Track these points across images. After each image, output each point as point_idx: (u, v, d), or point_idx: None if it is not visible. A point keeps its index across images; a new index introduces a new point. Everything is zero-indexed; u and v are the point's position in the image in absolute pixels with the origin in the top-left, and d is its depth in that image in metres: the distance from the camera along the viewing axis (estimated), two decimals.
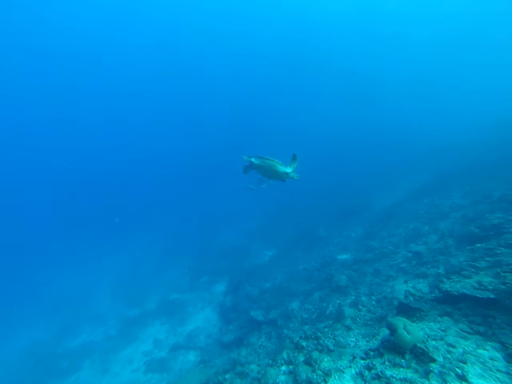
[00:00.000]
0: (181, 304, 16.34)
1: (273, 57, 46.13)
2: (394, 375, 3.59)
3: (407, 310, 4.80)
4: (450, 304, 4.50)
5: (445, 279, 5.10)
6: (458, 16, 36.37)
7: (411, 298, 5.05)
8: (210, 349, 11.45)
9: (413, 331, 3.69)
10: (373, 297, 7.41)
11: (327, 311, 7.40)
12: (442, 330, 4.08)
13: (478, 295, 4.10)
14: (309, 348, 5.27)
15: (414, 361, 3.66)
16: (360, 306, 6.69)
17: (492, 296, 4.04)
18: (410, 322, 3.84)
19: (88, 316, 18.35)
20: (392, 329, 3.85)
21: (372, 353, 4.22)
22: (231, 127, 62.57)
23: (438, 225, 9.67)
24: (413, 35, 42.80)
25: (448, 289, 4.54)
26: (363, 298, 7.66)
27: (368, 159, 29.08)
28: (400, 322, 3.79)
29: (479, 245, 6.36)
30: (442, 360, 3.63)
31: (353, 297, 8.20)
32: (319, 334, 5.43)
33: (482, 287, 4.29)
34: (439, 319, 4.34)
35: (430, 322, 4.33)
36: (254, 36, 39.17)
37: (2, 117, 44.63)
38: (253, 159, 4.88)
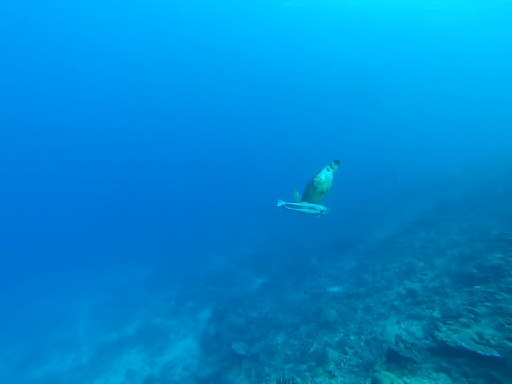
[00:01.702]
0: (162, 330, 15.33)
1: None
2: None
3: (398, 359, 4.23)
4: (447, 357, 3.93)
5: (440, 325, 4.57)
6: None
7: (402, 345, 4.48)
8: None
9: None
10: (362, 337, 6.81)
11: (311, 349, 6.75)
12: None
13: (479, 352, 3.54)
14: None
15: None
16: (347, 348, 6.07)
17: (497, 355, 3.48)
18: (399, 380, 3.29)
19: (60, 341, 16.74)
20: None
21: None
22: (223, 147, 62.46)
23: (434, 261, 9.19)
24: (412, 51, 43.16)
25: (444, 340, 3.99)
26: (351, 337, 7.05)
27: (364, 186, 28.76)
28: (387, 379, 3.24)
29: (478, 287, 5.85)
30: None
31: (341, 334, 7.59)
32: (298, 380, 4.80)
33: (484, 341, 3.74)
34: (434, 375, 3.76)
35: (423, 379, 3.75)
36: (253, 40, 39.59)
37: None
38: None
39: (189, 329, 14.79)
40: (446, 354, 3.98)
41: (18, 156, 51.76)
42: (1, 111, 41.11)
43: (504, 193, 13.20)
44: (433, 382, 3.66)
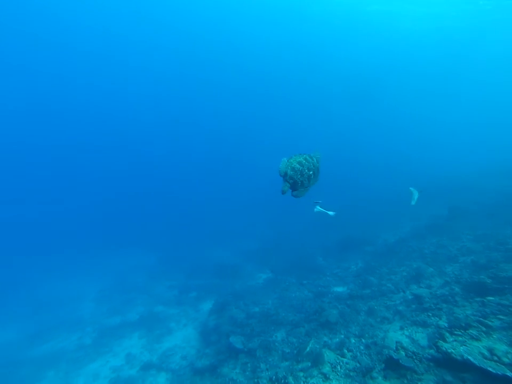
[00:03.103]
0: (164, 318, 15.45)
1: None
2: None
3: (397, 368, 3.97)
4: (452, 370, 3.62)
5: (447, 334, 4.25)
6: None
7: (402, 353, 4.20)
8: (182, 374, 10.50)
9: None
10: (363, 341, 6.55)
11: (307, 348, 6.53)
12: None
13: (489, 369, 3.18)
14: None
15: None
16: (346, 351, 5.83)
17: (510, 374, 3.10)
18: None
19: (67, 319, 17.28)
20: None
21: None
22: (231, 136, 62.21)
23: (445, 268, 8.78)
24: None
25: (449, 351, 3.68)
26: (352, 340, 6.80)
27: (375, 188, 28.10)
28: None
29: (491, 298, 5.45)
30: None
31: (342, 336, 7.35)
32: (290, 380, 4.62)
33: (496, 358, 3.38)
34: None
35: None
36: (254, 37, 39.22)
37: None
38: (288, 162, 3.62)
39: (190, 319, 14.82)
40: (450, 367, 3.66)
41: (34, 140, 52.90)
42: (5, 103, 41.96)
43: None
44: None
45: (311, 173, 3.63)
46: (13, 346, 15.44)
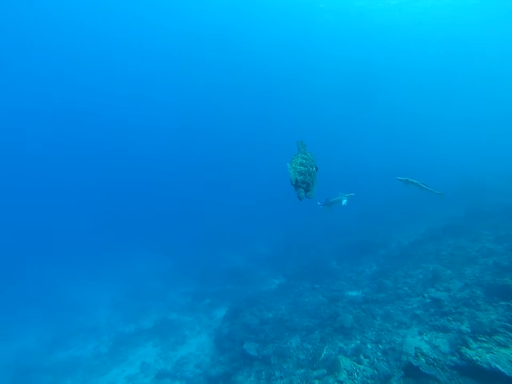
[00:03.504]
0: (178, 325, 15.44)
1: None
2: None
3: (417, 375, 3.78)
4: (478, 380, 3.39)
5: (470, 340, 4.03)
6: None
7: (423, 360, 4.00)
8: (197, 382, 10.45)
9: None
10: (380, 346, 6.33)
11: (322, 355, 6.36)
12: None
13: None
14: None
15: None
16: (362, 357, 5.63)
17: None
18: None
19: (83, 327, 17.50)
20: None
21: None
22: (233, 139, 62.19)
23: (464, 270, 8.43)
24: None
25: (475, 359, 3.45)
26: (368, 345, 6.59)
27: (384, 189, 27.59)
28: None
29: None
30: None
31: (358, 341, 7.15)
32: None
33: None
34: None
35: None
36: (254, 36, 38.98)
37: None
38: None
39: (204, 327, 14.78)
40: (476, 376, 3.41)
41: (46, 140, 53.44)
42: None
43: None
44: None
45: (314, 169, 3.65)
46: (32, 353, 15.67)
